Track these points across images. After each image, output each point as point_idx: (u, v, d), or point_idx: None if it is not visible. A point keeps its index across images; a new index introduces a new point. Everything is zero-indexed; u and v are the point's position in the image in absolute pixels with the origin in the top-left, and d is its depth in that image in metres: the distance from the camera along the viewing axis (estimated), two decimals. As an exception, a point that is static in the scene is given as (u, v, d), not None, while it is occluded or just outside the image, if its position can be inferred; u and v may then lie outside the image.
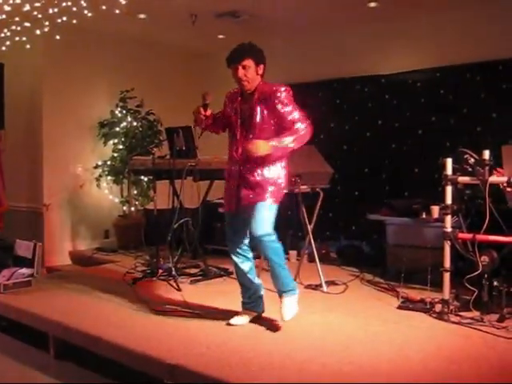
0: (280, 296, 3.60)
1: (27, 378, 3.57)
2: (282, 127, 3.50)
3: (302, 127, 3.48)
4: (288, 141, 3.43)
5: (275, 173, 3.58)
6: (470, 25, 5.81)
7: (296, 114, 3.50)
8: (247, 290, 3.80)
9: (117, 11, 5.25)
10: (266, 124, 3.52)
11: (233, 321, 3.72)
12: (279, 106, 3.48)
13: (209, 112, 3.64)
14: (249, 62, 3.50)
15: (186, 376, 2.96)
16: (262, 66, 3.57)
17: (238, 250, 3.75)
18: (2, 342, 4.22)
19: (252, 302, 3.81)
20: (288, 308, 3.56)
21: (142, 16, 6.24)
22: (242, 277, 3.79)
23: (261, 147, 3.36)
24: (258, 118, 3.52)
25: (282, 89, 3.51)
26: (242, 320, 3.75)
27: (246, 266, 3.75)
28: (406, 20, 6.22)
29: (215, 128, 3.84)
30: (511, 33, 5.50)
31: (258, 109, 3.52)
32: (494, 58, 5.58)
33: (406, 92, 6.31)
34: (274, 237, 3.52)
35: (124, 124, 6.88)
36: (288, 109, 3.49)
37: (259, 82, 3.57)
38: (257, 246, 3.60)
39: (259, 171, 3.54)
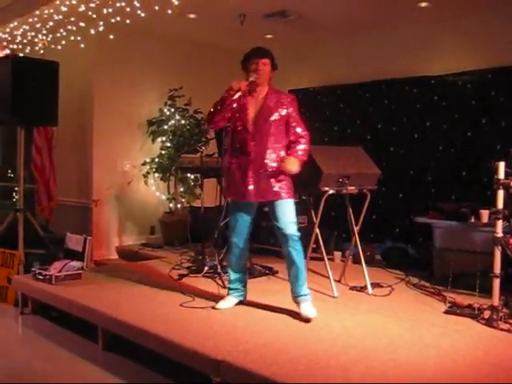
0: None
1: (76, 368, 3.68)
2: (287, 131, 3.91)
3: (307, 136, 3.96)
4: (306, 148, 3.93)
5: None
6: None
7: (302, 124, 3.97)
8: (239, 276, 4.15)
9: (169, 11, 5.34)
10: (279, 125, 3.87)
11: (219, 305, 4.05)
12: (293, 113, 3.92)
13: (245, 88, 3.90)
14: (268, 62, 3.93)
15: (232, 372, 2.99)
16: (273, 72, 3.99)
17: (244, 239, 4.03)
18: (53, 331, 4.37)
19: (238, 289, 4.16)
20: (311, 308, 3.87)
21: (192, 16, 6.33)
22: (239, 261, 4.11)
23: (295, 164, 3.78)
24: (272, 118, 3.85)
25: (294, 97, 4.01)
26: (227, 304, 4.08)
27: (246, 252, 4.19)
28: (456, 20, 6.12)
29: (224, 118, 4.01)
30: None
31: (274, 110, 3.87)
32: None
33: (456, 93, 6.19)
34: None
35: (172, 122, 6.98)
36: (298, 117, 3.95)
37: (269, 86, 3.97)
38: (284, 243, 3.85)
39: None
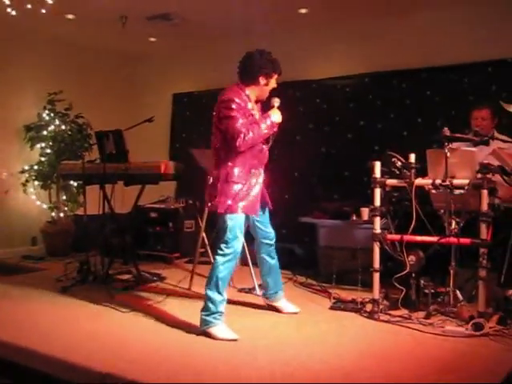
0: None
1: None
2: None
3: None
4: None
5: None
6: (397, 33, 6.01)
7: None
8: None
9: (43, 11, 5.07)
10: None
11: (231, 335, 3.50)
12: None
13: None
14: None
15: (119, 384, 2.90)
16: None
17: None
18: None
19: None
20: None
21: (70, 16, 6.09)
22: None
23: None
24: None
25: None
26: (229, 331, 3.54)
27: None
28: (335, 27, 6.36)
29: None
30: (431, 44, 5.75)
31: None
32: (417, 66, 5.82)
33: (336, 97, 6.44)
34: None
35: (52, 127, 6.69)
36: None
37: None
38: (270, 247, 4.15)
39: None
